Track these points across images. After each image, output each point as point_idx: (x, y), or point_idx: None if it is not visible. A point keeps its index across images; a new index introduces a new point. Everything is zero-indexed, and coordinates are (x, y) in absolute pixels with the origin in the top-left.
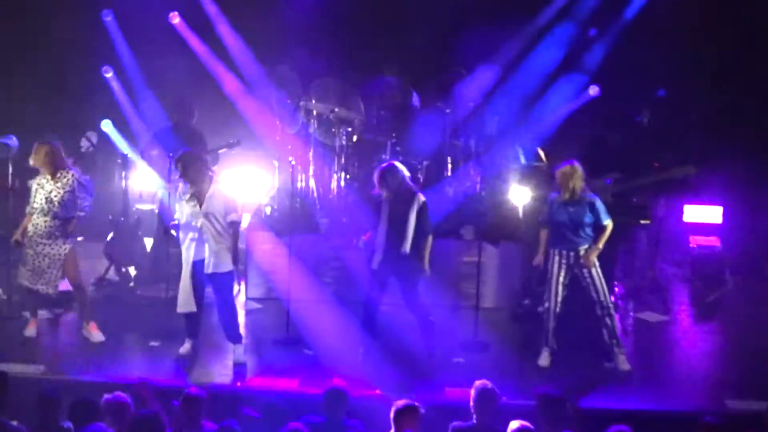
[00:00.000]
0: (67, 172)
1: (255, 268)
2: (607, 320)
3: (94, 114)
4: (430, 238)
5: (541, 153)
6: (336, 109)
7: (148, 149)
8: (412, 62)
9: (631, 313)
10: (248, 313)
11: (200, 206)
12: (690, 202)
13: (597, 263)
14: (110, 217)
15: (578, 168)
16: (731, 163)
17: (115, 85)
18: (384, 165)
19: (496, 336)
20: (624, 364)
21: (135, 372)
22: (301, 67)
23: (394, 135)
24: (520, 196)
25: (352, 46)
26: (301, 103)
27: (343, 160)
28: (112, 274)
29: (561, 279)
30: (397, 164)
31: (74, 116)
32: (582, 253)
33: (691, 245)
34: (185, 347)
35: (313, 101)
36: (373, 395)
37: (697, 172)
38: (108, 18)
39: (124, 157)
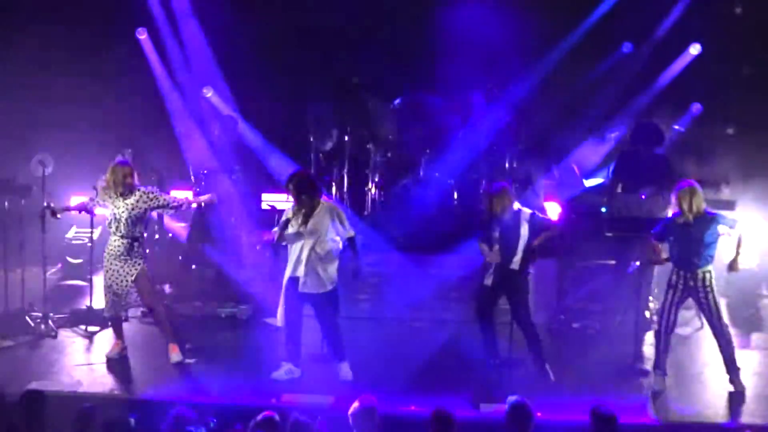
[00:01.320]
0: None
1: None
2: (723, 344)
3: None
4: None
5: (576, 168)
6: (370, 126)
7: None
8: (446, 80)
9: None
10: (278, 329)
11: (306, 224)
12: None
13: (714, 288)
14: (145, 235)
15: (697, 188)
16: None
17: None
18: (497, 186)
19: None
20: (739, 385)
21: (172, 389)
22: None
23: (427, 151)
24: (553, 210)
25: (383, 59)
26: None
27: (377, 177)
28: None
29: (675, 300)
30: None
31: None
32: (700, 276)
33: (724, 261)
34: (279, 371)
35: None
36: (408, 411)
37: (732, 186)
38: (143, 36)
39: (158, 171)
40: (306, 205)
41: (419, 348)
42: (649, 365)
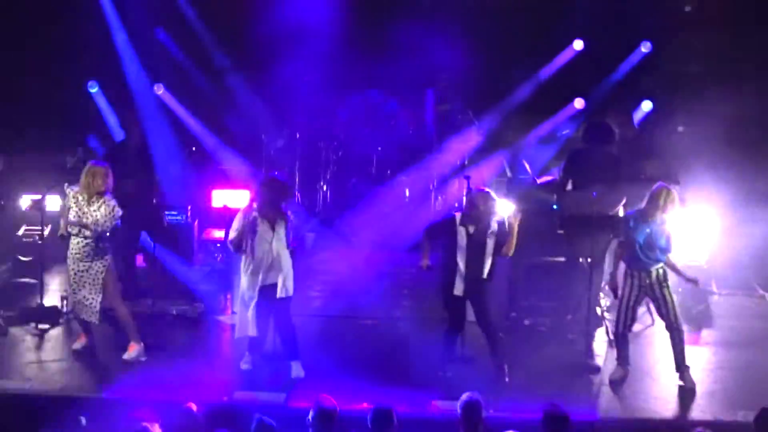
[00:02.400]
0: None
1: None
2: (676, 340)
3: (81, 129)
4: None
5: (527, 165)
6: (321, 123)
7: None
8: (399, 75)
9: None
10: (234, 327)
11: (273, 230)
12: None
13: (669, 283)
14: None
15: (675, 192)
16: (717, 176)
17: (101, 101)
18: (481, 189)
19: (482, 349)
20: (689, 381)
21: (125, 387)
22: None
23: (380, 148)
24: (505, 209)
25: (337, 60)
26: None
27: (329, 174)
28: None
29: (632, 301)
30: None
31: (61, 132)
32: (654, 273)
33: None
34: (246, 362)
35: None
36: (362, 409)
37: (682, 184)
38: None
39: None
40: (277, 212)
41: (371, 346)
42: (599, 361)
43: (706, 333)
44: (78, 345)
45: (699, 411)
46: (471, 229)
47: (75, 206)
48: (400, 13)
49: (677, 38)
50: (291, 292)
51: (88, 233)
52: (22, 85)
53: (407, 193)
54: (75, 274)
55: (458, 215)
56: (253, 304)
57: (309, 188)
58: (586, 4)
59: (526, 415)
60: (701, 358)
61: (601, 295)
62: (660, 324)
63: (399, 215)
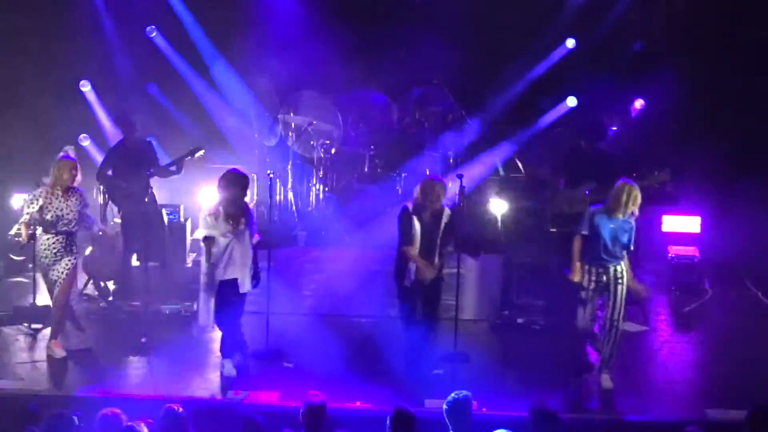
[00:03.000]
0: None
1: None
2: (615, 338)
3: (72, 128)
4: (449, 249)
5: (519, 164)
6: (314, 122)
7: (104, 169)
8: (390, 75)
9: None
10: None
11: (236, 226)
12: (668, 212)
13: (624, 284)
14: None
15: (637, 189)
16: (709, 173)
17: (93, 99)
18: (435, 178)
19: (475, 347)
20: (607, 382)
21: (117, 385)
22: (279, 81)
23: (372, 147)
24: (498, 207)
25: (330, 60)
26: (280, 116)
27: (321, 173)
28: (90, 288)
29: (594, 297)
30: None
31: (52, 130)
32: (612, 270)
33: (669, 255)
34: (228, 367)
35: (292, 114)
36: (353, 407)
37: (673, 179)
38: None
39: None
40: (238, 206)
41: (363, 344)
42: (592, 360)
43: (697, 331)
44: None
45: (691, 409)
46: (424, 218)
47: (49, 204)
48: (392, 11)
49: (669, 36)
50: (250, 287)
51: (61, 228)
52: (13, 84)
53: (400, 192)
54: (60, 272)
55: (410, 204)
56: (212, 297)
57: (301, 187)
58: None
59: (518, 413)
60: (693, 356)
61: None
62: (652, 324)
63: (392, 214)
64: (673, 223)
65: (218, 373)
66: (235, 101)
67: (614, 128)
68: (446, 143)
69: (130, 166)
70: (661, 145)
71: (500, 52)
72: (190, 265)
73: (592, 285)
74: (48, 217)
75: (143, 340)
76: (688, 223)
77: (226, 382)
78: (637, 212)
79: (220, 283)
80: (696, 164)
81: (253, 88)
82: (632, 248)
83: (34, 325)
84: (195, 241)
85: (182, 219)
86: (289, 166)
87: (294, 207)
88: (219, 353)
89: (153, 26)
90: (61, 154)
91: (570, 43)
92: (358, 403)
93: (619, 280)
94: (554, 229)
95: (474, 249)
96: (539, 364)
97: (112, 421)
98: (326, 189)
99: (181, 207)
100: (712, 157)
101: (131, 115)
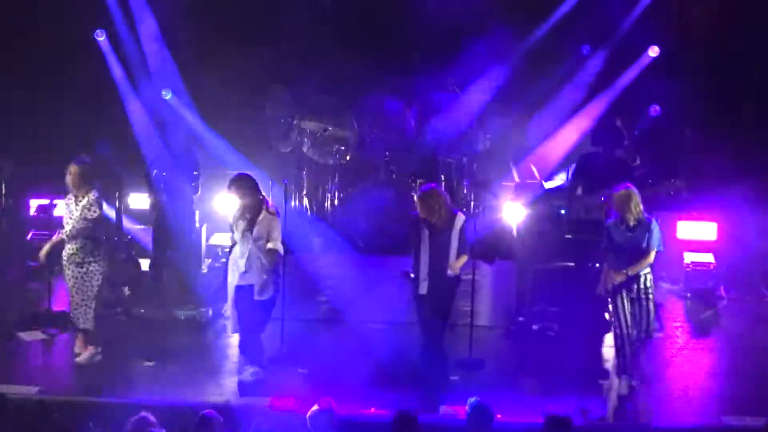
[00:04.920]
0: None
1: None
2: (638, 348)
3: (90, 134)
4: (464, 258)
5: (534, 170)
6: (329, 128)
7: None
8: (406, 80)
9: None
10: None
11: (251, 231)
12: (684, 219)
13: (652, 292)
14: (104, 237)
15: (633, 191)
16: (725, 180)
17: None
18: (425, 188)
19: (490, 354)
20: (625, 388)
21: (131, 392)
22: (294, 86)
23: (387, 153)
24: (513, 213)
25: (345, 65)
26: (295, 122)
27: (336, 179)
28: (105, 293)
29: (626, 305)
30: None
31: (70, 137)
32: (642, 279)
33: (685, 262)
34: (245, 374)
35: (307, 120)
36: (368, 413)
37: (688, 187)
38: (101, 38)
39: (119, 175)
40: (252, 211)
41: (378, 350)
42: (608, 366)
43: (714, 337)
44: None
45: (707, 416)
46: (431, 225)
47: (66, 211)
48: (409, 16)
49: (685, 42)
50: (267, 294)
51: (82, 233)
52: (30, 91)
53: (415, 198)
54: (69, 279)
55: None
56: (230, 302)
57: (317, 193)
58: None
59: (535, 419)
60: (709, 363)
61: (609, 300)
62: (669, 331)
63: (406, 219)
64: (689, 229)
65: (233, 379)
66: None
67: (630, 135)
68: (462, 149)
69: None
70: (676, 152)
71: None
72: (205, 270)
73: (624, 294)
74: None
75: (150, 363)
76: (704, 230)
77: (241, 388)
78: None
79: (236, 288)
80: (712, 170)
81: (269, 93)
82: (661, 249)
83: (49, 330)
84: (210, 247)
85: (197, 225)
86: (305, 172)
87: (309, 213)
88: (235, 359)
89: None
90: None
91: (585, 49)
92: (372, 409)
93: (648, 290)
94: (570, 236)
95: (489, 255)
96: (554, 370)
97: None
98: (341, 195)
99: (197, 213)
100: (728, 163)
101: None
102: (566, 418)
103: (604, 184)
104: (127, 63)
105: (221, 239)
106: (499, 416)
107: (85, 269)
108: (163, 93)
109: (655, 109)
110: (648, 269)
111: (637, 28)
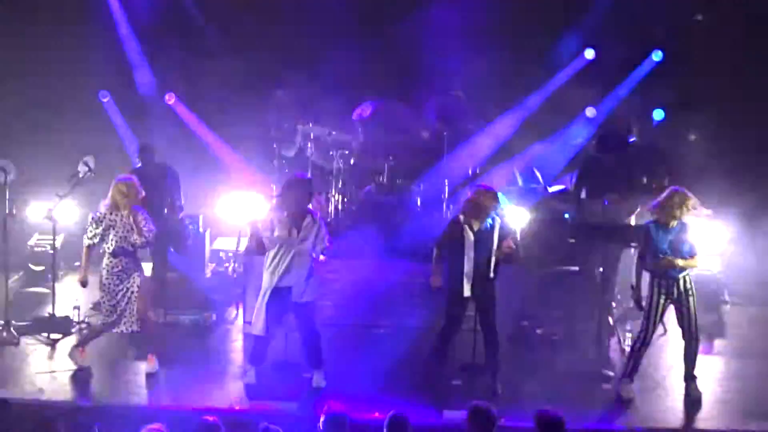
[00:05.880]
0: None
1: (253, 292)
2: (692, 350)
3: (91, 138)
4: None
5: (538, 174)
6: (333, 132)
7: None
8: (410, 85)
9: (628, 334)
10: (246, 336)
11: (297, 233)
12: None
13: (693, 294)
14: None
15: (687, 194)
16: (731, 184)
17: (112, 110)
18: (482, 186)
19: None
20: (695, 392)
21: (135, 397)
22: (299, 91)
23: (391, 158)
24: (517, 218)
25: (349, 69)
26: (299, 127)
27: (340, 184)
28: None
29: (660, 309)
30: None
31: (70, 141)
32: (682, 281)
33: None
34: (249, 375)
35: (311, 124)
36: (372, 417)
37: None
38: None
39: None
40: (298, 214)
41: (382, 354)
42: (612, 370)
43: (718, 343)
44: (149, 367)
45: (712, 421)
46: (475, 227)
47: (114, 227)
48: (414, 21)
49: (688, 46)
50: (309, 297)
51: (129, 248)
52: (33, 95)
53: (419, 202)
54: (116, 292)
55: (461, 216)
56: (264, 303)
57: (321, 198)
58: (597, 12)
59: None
60: (714, 368)
61: (613, 304)
62: (673, 333)
63: (410, 224)
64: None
65: (237, 384)
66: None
67: (634, 139)
68: (466, 153)
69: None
70: (680, 156)
71: (518, 63)
72: (209, 275)
73: (662, 299)
74: (113, 240)
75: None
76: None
77: (246, 393)
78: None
79: (273, 290)
80: (717, 175)
81: (273, 98)
82: (697, 253)
83: (53, 336)
84: (214, 252)
85: (201, 229)
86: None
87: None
88: (239, 363)
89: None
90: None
91: (589, 53)
92: (376, 414)
93: (689, 291)
94: (573, 240)
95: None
96: (558, 374)
97: None
98: (345, 200)
99: (200, 217)
100: (734, 167)
101: (146, 142)
102: (559, 420)
103: (608, 188)
104: (130, 63)
105: (224, 244)
106: (502, 420)
107: (130, 281)
108: (167, 97)
109: (659, 114)
110: (687, 272)
111: (641, 31)
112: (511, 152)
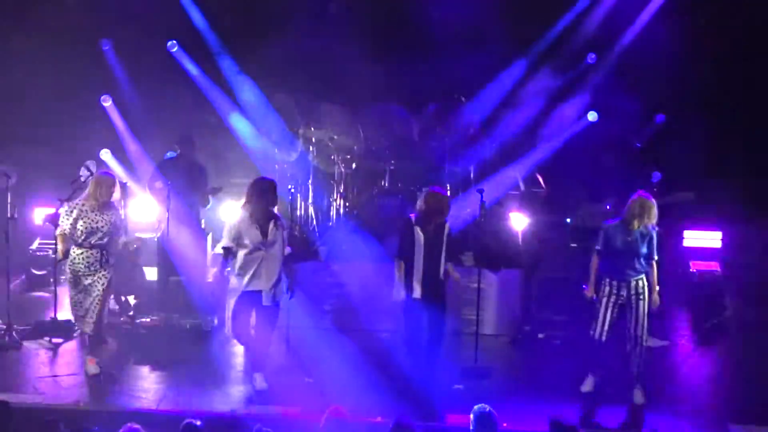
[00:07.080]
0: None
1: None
2: (637, 355)
3: (93, 143)
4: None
5: (540, 178)
6: (335, 137)
7: (152, 181)
8: (411, 89)
9: None
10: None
11: (264, 236)
12: (690, 228)
13: (646, 299)
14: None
15: (651, 201)
16: (732, 188)
17: (114, 114)
18: (438, 189)
19: (496, 362)
20: (640, 398)
21: (136, 401)
22: (300, 95)
23: (392, 162)
24: (519, 222)
25: (351, 73)
26: (301, 131)
27: (342, 188)
28: (111, 302)
29: (610, 309)
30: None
31: (72, 145)
32: (633, 284)
33: (691, 270)
34: (259, 381)
35: (312, 129)
36: (375, 422)
37: (697, 200)
38: (106, 47)
39: (123, 185)
40: (265, 216)
41: (383, 358)
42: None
43: (718, 347)
44: (92, 368)
45: (712, 425)
46: (427, 229)
47: (83, 217)
48: (414, 25)
49: (691, 49)
50: (277, 300)
51: (96, 242)
52: (34, 99)
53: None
54: (77, 285)
55: (413, 216)
56: (233, 307)
57: (322, 202)
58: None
59: (539, 429)
60: (714, 372)
61: None
62: (675, 340)
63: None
64: (695, 238)
65: (238, 388)
66: (256, 116)
67: (635, 144)
68: (467, 158)
69: (182, 184)
70: (682, 160)
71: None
72: (211, 279)
73: (612, 299)
74: (81, 230)
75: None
76: (710, 239)
77: (247, 397)
78: (654, 223)
79: (242, 293)
80: (717, 179)
81: (274, 102)
82: (656, 258)
83: (54, 340)
84: (215, 256)
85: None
86: (310, 181)
87: (315, 222)
88: (240, 368)
89: (174, 41)
90: (83, 170)
91: (590, 58)
92: (379, 418)
93: (640, 295)
94: (575, 244)
95: (494, 263)
96: (560, 379)
97: None
98: (347, 204)
99: (203, 221)
100: (734, 171)
101: (191, 134)
102: (573, 426)
103: (609, 193)
104: (132, 71)
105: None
106: (504, 425)
107: (107, 276)
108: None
109: (660, 118)
110: (642, 276)
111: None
112: (513, 156)
